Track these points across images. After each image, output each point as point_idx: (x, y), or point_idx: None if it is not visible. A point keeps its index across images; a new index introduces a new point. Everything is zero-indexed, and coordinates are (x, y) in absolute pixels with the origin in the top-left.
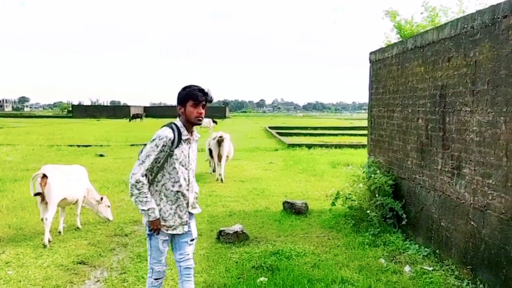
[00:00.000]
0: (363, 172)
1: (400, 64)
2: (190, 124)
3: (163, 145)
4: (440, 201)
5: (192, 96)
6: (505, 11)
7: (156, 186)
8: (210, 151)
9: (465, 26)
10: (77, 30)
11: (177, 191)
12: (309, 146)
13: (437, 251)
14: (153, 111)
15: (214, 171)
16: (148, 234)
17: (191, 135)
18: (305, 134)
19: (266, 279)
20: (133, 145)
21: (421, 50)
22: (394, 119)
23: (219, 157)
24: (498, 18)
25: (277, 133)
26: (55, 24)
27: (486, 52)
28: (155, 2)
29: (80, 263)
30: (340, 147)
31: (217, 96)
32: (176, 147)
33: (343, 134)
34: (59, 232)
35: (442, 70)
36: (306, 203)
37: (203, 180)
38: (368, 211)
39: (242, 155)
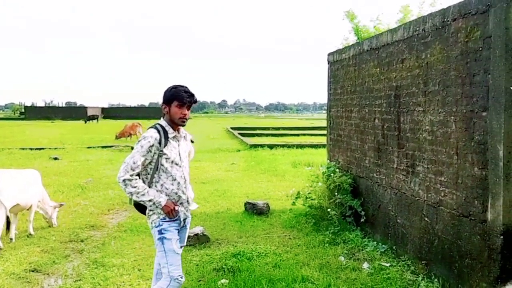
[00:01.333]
0: (323, 171)
1: (357, 65)
2: (174, 124)
3: (150, 146)
4: (396, 199)
5: (178, 97)
6: (454, 15)
7: (156, 187)
8: None
9: (417, 28)
10: (21, 25)
11: (177, 189)
12: (271, 147)
13: (394, 247)
14: (112, 112)
15: None
16: (159, 239)
17: (178, 132)
18: (267, 135)
19: (227, 281)
20: (90, 147)
21: (377, 51)
22: (352, 119)
23: None
24: (448, 21)
25: (239, 133)
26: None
27: (437, 54)
28: None
29: (32, 271)
30: (301, 147)
31: None
32: (165, 146)
33: (304, 134)
34: (11, 239)
35: (396, 71)
36: (267, 204)
37: None
38: (328, 210)
39: (203, 156)
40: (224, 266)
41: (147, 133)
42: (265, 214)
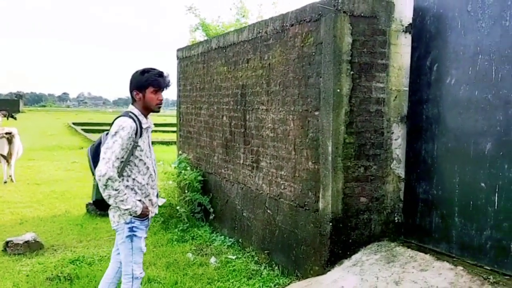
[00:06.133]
0: (174, 168)
1: (205, 63)
2: (148, 111)
3: (128, 137)
4: (243, 193)
5: (153, 82)
6: (292, 20)
7: (127, 181)
8: None
9: (260, 31)
10: None
11: (147, 184)
12: None
13: (240, 240)
14: None
15: None
16: (128, 236)
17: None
18: None
19: None
20: None
21: (224, 50)
22: (201, 116)
23: (9, 156)
24: (287, 26)
25: (82, 129)
26: None
27: (278, 56)
28: None
29: None
30: (152, 143)
31: (7, 87)
32: (139, 137)
33: (156, 131)
34: None
35: (242, 70)
36: None
37: None
38: (177, 208)
39: (38, 154)
40: (60, 274)
41: (124, 123)
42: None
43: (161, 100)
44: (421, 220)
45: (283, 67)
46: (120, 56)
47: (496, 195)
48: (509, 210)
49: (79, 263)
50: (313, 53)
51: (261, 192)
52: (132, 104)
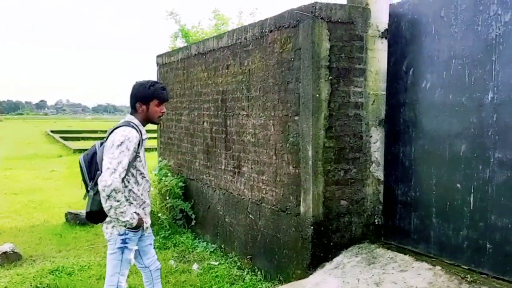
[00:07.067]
0: (154, 175)
1: (185, 69)
2: (147, 122)
3: (134, 147)
4: (225, 199)
5: (159, 95)
6: (271, 26)
7: (124, 192)
8: None
9: (240, 37)
10: None
11: (141, 194)
12: None
13: (223, 246)
14: None
15: None
16: (119, 248)
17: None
18: (94, 138)
19: None
20: None
21: (204, 56)
22: (182, 122)
23: None
24: (266, 32)
25: (61, 137)
26: None
27: (257, 62)
28: None
29: None
30: None
31: None
32: (140, 148)
33: None
34: None
35: (222, 76)
36: None
37: None
38: (159, 215)
39: (16, 163)
40: (39, 285)
41: (129, 133)
42: (89, 224)
43: (164, 112)
44: (400, 221)
45: (263, 72)
46: (101, 62)
47: (472, 195)
48: (484, 210)
49: (59, 273)
50: (292, 59)
51: (243, 197)
52: (132, 114)
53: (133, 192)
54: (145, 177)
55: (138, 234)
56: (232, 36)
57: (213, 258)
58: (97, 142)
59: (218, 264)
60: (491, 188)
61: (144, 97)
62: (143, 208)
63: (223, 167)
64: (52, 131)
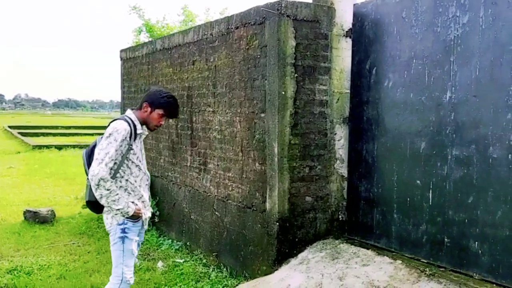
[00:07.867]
0: None
1: (150, 64)
2: (144, 124)
3: (122, 139)
4: (190, 196)
5: (169, 109)
6: (237, 23)
7: (120, 182)
8: None
9: (206, 33)
10: None
11: (139, 186)
12: (60, 147)
13: (188, 243)
14: None
15: None
16: (120, 237)
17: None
18: (55, 134)
19: None
20: None
21: (169, 51)
22: None
23: None
24: (232, 28)
25: (19, 133)
26: None
27: (224, 58)
28: None
29: None
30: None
31: None
32: (134, 141)
33: (100, 134)
34: None
35: (188, 72)
36: (52, 210)
37: None
38: None
39: None
40: None
41: (119, 126)
42: (49, 222)
43: (161, 124)
44: (363, 217)
45: (229, 69)
46: (61, 56)
47: (430, 191)
48: (442, 205)
49: (17, 273)
50: (258, 56)
51: (208, 194)
52: (135, 111)
53: (130, 183)
54: (141, 170)
55: (138, 225)
56: (198, 32)
57: (178, 255)
58: (99, 136)
59: (183, 262)
60: (449, 184)
61: (154, 101)
62: (142, 201)
63: (188, 164)
64: (10, 127)
